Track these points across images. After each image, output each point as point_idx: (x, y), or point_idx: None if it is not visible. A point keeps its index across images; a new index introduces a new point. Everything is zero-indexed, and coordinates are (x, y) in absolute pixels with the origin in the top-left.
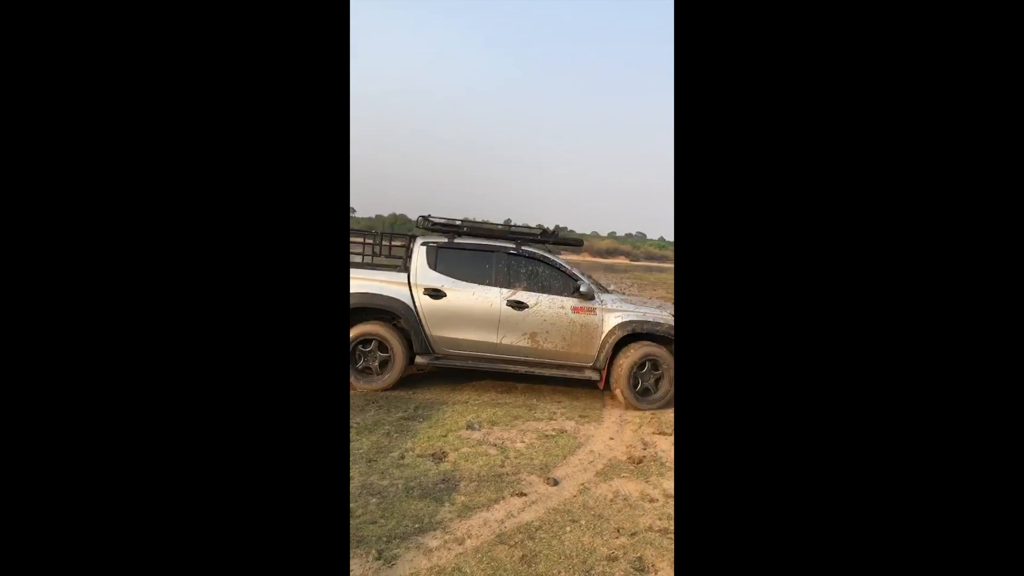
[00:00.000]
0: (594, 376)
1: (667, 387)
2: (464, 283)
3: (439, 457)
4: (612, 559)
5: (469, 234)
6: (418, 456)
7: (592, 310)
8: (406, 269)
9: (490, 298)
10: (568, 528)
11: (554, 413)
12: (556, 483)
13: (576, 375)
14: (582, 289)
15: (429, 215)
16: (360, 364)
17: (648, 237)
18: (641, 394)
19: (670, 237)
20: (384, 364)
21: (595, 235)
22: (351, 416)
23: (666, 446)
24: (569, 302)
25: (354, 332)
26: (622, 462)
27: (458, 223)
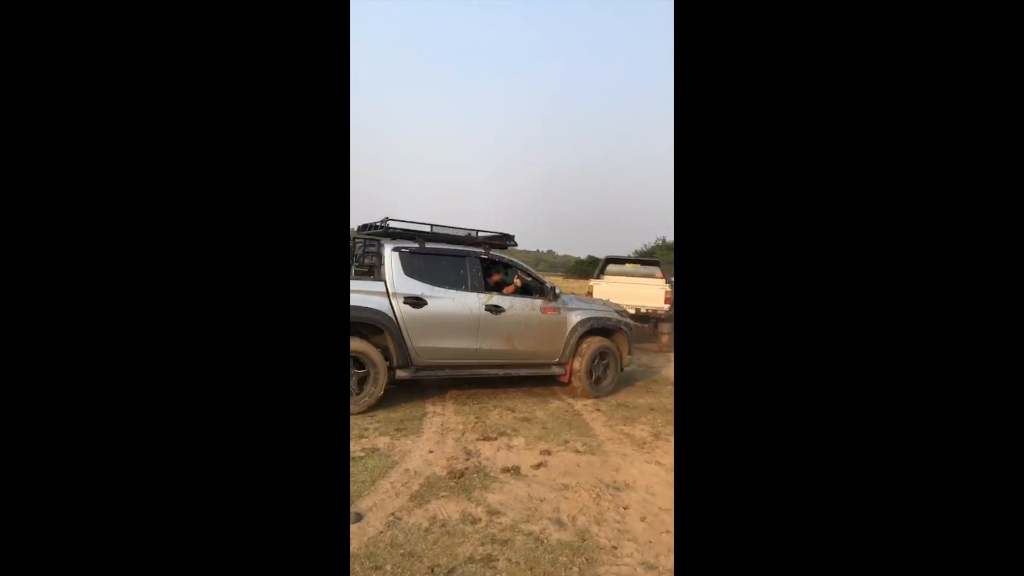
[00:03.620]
0: (558, 371)
1: (613, 375)
2: (442, 289)
3: None
4: None
5: (434, 239)
6: None
7: (557, 310)
8: (380, 277)
9: (468, 303)
10: None
11: (365, 429)
12: (359, 518)
13: (544, 372)
14: (556, 291)
15: (387, 218)
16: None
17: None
18: (595, 383)
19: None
20: (362, 382)
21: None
22: None
23: (490, 452)
24: (538, 303)
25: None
26: (441, 478)
27: (423, 227)
